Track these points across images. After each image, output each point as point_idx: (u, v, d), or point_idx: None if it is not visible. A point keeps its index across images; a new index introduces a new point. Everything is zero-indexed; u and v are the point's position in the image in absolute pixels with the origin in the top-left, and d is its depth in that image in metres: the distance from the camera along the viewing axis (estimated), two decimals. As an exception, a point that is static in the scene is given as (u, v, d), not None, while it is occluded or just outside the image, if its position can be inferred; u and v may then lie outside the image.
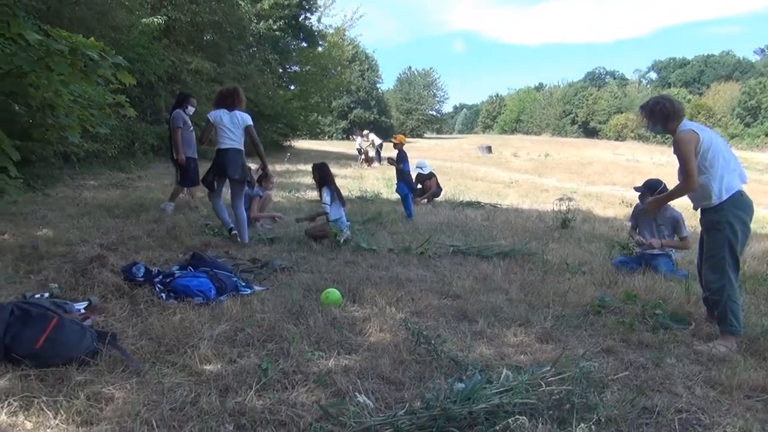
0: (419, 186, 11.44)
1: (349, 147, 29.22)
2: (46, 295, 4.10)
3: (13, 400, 2.80)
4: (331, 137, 59.51)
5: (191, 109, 8.33)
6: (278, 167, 18.55)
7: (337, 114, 60.63)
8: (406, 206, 8.91)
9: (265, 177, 7.86)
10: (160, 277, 4.55)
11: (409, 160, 9.24)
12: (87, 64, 4.98)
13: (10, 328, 3.17)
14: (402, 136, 9.58)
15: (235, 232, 6.41)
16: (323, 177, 6.84)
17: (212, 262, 4.94)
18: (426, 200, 11.30)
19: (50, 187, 10.28)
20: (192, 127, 8.34)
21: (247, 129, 6.23)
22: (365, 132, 25.12)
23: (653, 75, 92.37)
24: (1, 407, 2.75)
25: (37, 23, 8.34)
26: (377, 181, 15.21)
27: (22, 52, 4.85)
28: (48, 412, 2.73)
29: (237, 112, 6.20)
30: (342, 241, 6.60)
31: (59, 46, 4.81)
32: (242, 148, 6.24)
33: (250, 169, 6.44)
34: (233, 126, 6.17)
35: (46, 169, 11.64)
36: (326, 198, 6.73)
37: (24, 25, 4.88)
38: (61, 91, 5.51)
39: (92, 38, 5.07)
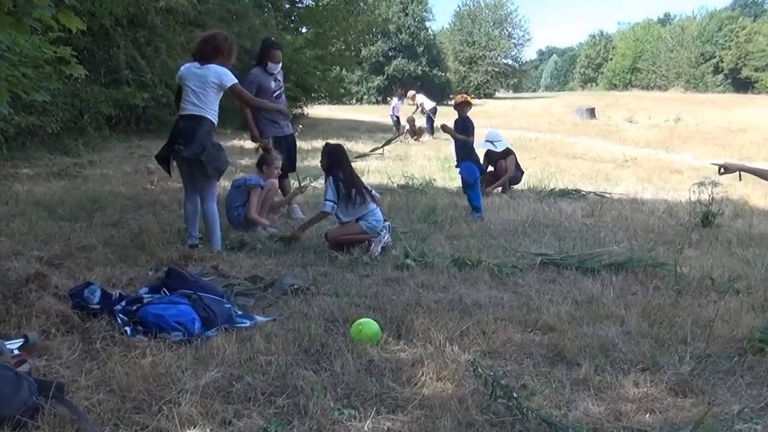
0: (490, 169, 11.44)
1: (386, 114, 29.21)
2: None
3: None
4: (360, 100, 60.01)
5: (275, 67, 8.55)
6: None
7: (369, 67, 61.18)
8: (473, 198, 8.90)
9: (265, 160, 7.97)
10: (124, 303, 4.64)
11: (476, 130, 9.22)
12: (16, 3, 5.08)
13: None
14: (465, 95, 9.52)
15: (196, 242, 6.65)
16: (331, 163, 7.01)
17: (196, 281, 5.01)
18: (500, 189, 11.25)
19: (-30, 179, 10.66)
20: (280, 91, 8.66)
21: (231, 89, 6.43)
22: (410, 93, 25.18)
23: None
24: None
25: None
26: (429, 163, 15.22)
27: None
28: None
29: (211, 67, 6.37)
30: (378, 250, 6.64)
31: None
32: (210, 118, 6.39)
33: (220, 148, 6.51)
34: (200, 85, 6.35)
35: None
36: (328, 193, 6.90)
37: None
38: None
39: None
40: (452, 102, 9.38)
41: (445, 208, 9.32)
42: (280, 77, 8.61)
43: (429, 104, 23.52)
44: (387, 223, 7.10)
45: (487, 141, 11.43)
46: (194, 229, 6.71)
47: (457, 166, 9.30)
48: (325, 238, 6.95)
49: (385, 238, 6.89)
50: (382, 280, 5.81)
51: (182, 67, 6.52)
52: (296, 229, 7.25)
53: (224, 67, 6.44)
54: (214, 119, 6.42)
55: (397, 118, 23.74)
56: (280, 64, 8.55)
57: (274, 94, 8.44)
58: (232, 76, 6.43)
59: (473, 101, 9.40)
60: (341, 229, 6.99)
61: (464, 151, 9.03)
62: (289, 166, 8.77)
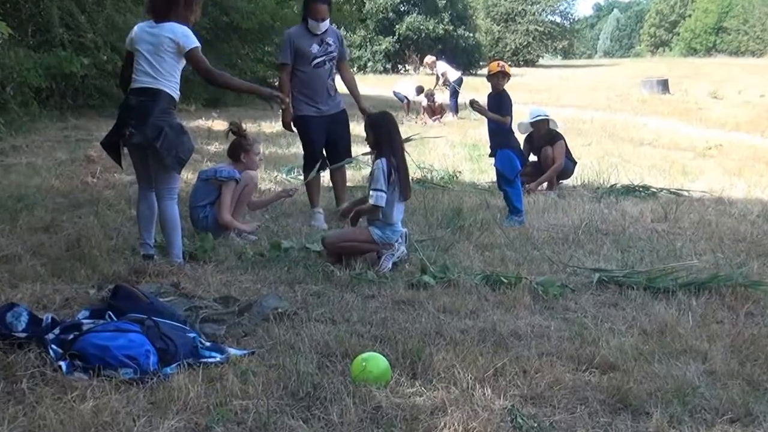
0: (533, 158, 11.46)
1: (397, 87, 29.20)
2: None
3: None
4: (363, 68, 59.87)
5: (319, 25, 8.52)
6: (266, 127, 18.76)
7: (375, 26, 60.97)
8: (511, 196, 8.92)
9: (241, 146, 7.96)
10: (57, 330, 4.64)
11: (514, 109, 9.20)
12: None
13: None
14: (501, 63, 9.50)
15: (151, 253, 6.68)
16: (382, 139, 6.99)
17: (151, 303, 5.01)
18: (546, 185, 11.26)
19: None
20: (323, 58, 8.66)
21: (187, 55, 6.43)
22: (429, 59, 25.19)
23: None
24: None
25: None
26: (452, 150, 15.22)
27: None
28: None
29: (167, 26, 6.38)
30: (389, 266, 6.69)
31: None
32: (168, 92, 6.41)
33: (182, 131, 6.50)
34: (154, 49, 6.37)
35: None
36: (379, 179, 6.80)
37: None
38: None
39: None
40: (484, 72, 9.36)
41: (474, 209, 9.31)
42: (331, 39, 8.62)
43: (453, 74, 23.53)
44: (404, 230, 7.13)
45: (530, 120, 11.41)
46: (149, 236, 6.73)
47: (491, 155, 9.30)
48: (322, 244, 6.99)
49: (400, 250, 6.91)
50: (392, 302, 5.81)
51: (135, 28, 6.55)
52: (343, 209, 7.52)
53: (184, 25, 6.45)
54: (174, 93, 6.44)
55: (406, 99, 23.62)
56: (327, 21, 8.58)
57: (314, 62, 8.50)
58: (194, 38, 6.43)
59: (510, 70, 9.35)
60: (343, 233, 7.01)
61: (500, 136, 9.01)
62: (331, 156, 8.81)
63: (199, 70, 6.52)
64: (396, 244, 6.90)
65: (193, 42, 6.41)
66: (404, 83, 25.13)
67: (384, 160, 6.82)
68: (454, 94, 22.86)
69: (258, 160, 8.21)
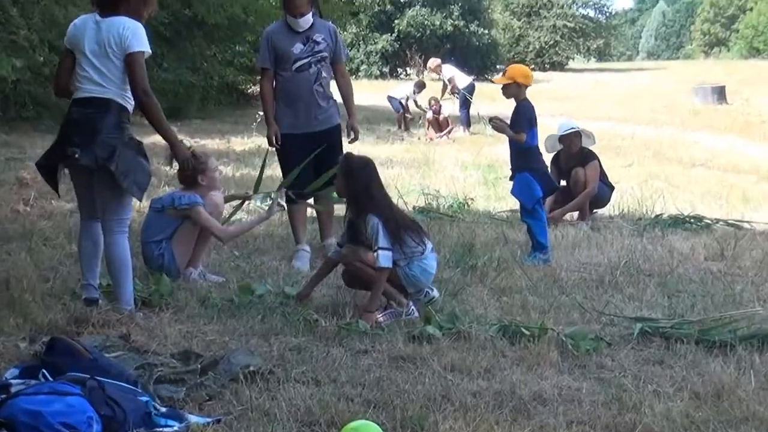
0: (561, 183, 11.45)
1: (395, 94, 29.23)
2: None
3: None
4: (356, 72, 59.77)
5: (300, 21, 8.54)
6: (236, 144, 18.78)
7: (369, 21, 60.73)
8: (533, 228, 8.96)
9: (195, 169, 7.88)
10: (-20, 393, 4.63)
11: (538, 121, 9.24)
12: None
13: None
14: (521, 67, 9.51)
15: (95, 297, 6.66)
16: (362, 190, 6.94)
17: (94, 360, 4.99)
18: (576, 214, 11.27)
19: None
20: (309, 59, 8.66)
21: (127, 59, 6.32)
22: (433, 61, 25.16)
23: None
24: None
25: None
26: (463, 173, 15.24)
27: None
28: None
29: (117, 21, 6.34)
30: (389, 321, 6.67)
31: None
32: (119, 102, 6.38)
33: (139, 150, 6.47)
34: (100, 50, 6.33)
35: None
36: (380, 238, 6.75)
37: None
38: None
39: None
40: (502, 76, 9.25)
41: (490, 244, 9.32)
42: (320, 36, 8.67)
43: (463, 80, 23.56)
44: (435, 292, 7.09)
45: (559, 135, 11.42)
46: (93, 277, 6.72)
47: (510, 178, 9.28)
48: (341, 260, 7.10)
49: (411, 315, 6.81)
50: (388, 358, 5.80)
51: (75, 22, 6.52)
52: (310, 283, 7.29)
53: (136, 21, 6.40)
54: (127, 103, 6.42)
55: (404, 104, 23.64)
56: (309, 16, 8.56)
57: (296, 64, 8.54)
58: (142, 38, 6.37)
59: (529, 75, 9.27)
60: (363, 254, 6.96)
61: (520, 156, 9.06)
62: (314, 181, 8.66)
63: (134, 84, 6.35)
64: (411, 307, 6.82)
65: (141, 45, 6.36)
66: (402, 88, 25.20)
67: (374, 216, 6.77)
68: (465, 104, 22.88)
69: (218, 178, 8.26)
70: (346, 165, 7.10)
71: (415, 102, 23.89)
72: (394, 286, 6.90)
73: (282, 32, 8.61)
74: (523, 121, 8.93)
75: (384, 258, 6.70)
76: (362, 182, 6.94)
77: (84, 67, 6.35)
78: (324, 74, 8.71)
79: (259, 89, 8.19)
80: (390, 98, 24.19)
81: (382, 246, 6.70)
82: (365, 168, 7.06)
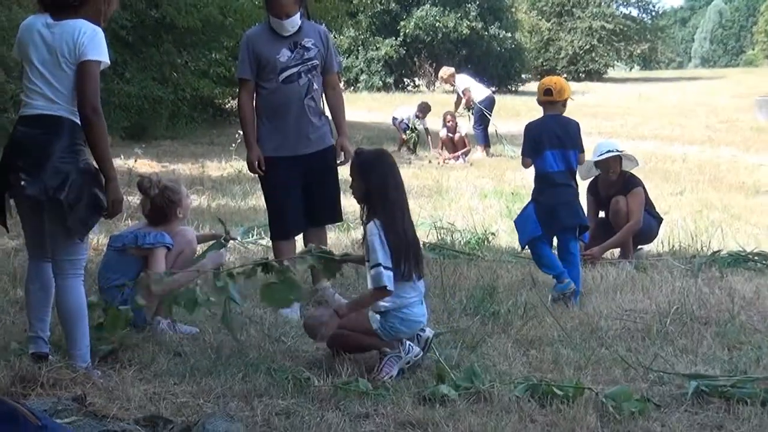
0: (599, 214, 11.51)
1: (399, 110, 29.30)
2: None
3: None
4: (354, 84, 59.78)
5: (285, 23, 8.54)
6: (212, 169, 18.83)
7: (371, 23, 60.48)
8: (568, 269, 9.05)
9: (171, 201, 7.88)
10: None
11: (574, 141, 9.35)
12: None
13: None
14: (557, 79, 9.60)
15: (44, 351, 6.62)
16: (375, 189, 6.88)
17: (43, 427, 4.97)
18: (618, 251, 11.30)
19: None
20: (299, 68, 8.67)
21: (81, 67, 6.25)
22: (446, 71, 25.17)
23: None
24: None
25: None
26: (482, 202, 15.23)
27: None
28: None
29: (72, 24, 6.29)
30: (393, 373, 6.63)
31: None
32: (74, 119, 6.33)
33: (95, 177, 6.42)
34: (52, 59, 6.29)
35: None
36: (377, 250, 6.70)
37: None
38: None
39: None
40: (526, 88, 9.41)
41: (514, 287, 9.30)
42: (309, 41, 8.68)
43: (480, 92, 23.64)
44: (429, 331, 7.02)
45: (596, 160, 11.38)
46: (42, 327, 6.67)
47: (526, 208, 9.54)
48: (305, 328, 6.99)
49: (412, 352, 6.77)
50: (394, 424, 5.77)
51: (23, 25, 6.46)
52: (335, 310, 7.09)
53: (94, 25, 6.35)
54: (77, 118, 6.35)
55: (406, 125, 23.68)
56: (296, 18, 8.53)
57: (283, 74, 8.53)
58: (100, 46, 6.30)
59: (564, 88, 9.38)
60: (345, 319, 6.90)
61: (535, 183, 9.34)
62: (310, 216, 8.73)
63: (83, 97, 6.24)
64: (406, 345, 6.75)
65: (99, 54, 6.28)
66: (406, 108, 25.16)
67: (377, 222, 6.72)
68: (480, 120, 22.93)
69: (186, 213, 8.27)
70: (359, 162, 7.04)
71: (425, 128, 23.84)
72: (370, 337, 6.84)
73: (265, 37, 8.58)
74: (524, 143, 9.33)
75: (380, 277, 6.62)
76: (376, 179, 6.86)
77: (32, 79, 6.31)
78: (315, 86, 8.69)
79: (237, 104, 8.14)
80: (394, 119, 24.19)
81: (378, 263, 6.62)
82: (380, 161, 7.01)
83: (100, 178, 6.41)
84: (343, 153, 8.76)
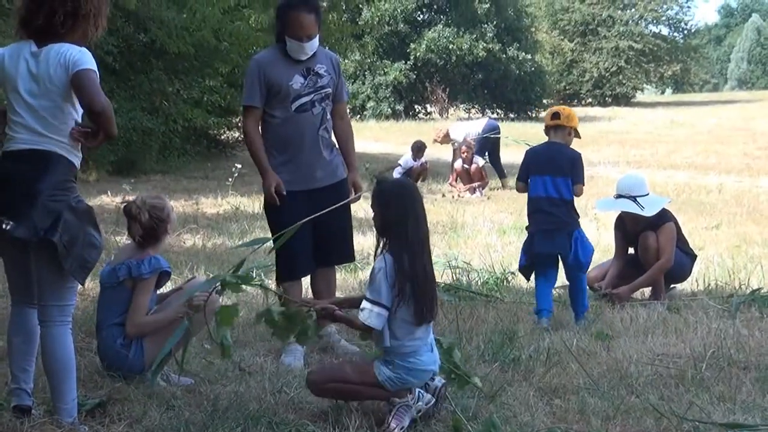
0: (628, 251, 11.56)
1: (409, 138, 29.27)
2: None
3: None
4: (360, 112, 59.64)
5: (302, 47, 8.48)
6: (207, 205, 18.89)
7: (379, 45, 60.31)
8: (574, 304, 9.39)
9: (160, 221, 7.89)
10: None
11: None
12: None
13: None
14: (571, 111, 9.79)
15: (27, 404, 6.60)
16: (394, 224, 6.81)
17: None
18: (648, 291, 11.33)
19: None
20: (312, 97, 8.65)
21: (75, 77, 6.20)
22: (439, 135, 25.16)
23: None
24: None
25: None
26: (501, 238, 15.28)
27: None
28: None
29: (55, 48, 6.28)
30: (405, 425, 6.60)
31: None
32: (63, 154, 6.31)
33: (88, 217, 6.43)
34: (40, 89, 6.28)
35: None
36: (379, 286, 6.65)
37: None
38: None
39: None
40: (551, 121, 9.50)
41: (537, 331, 9.31)
42: (322, 68, 8.67)
43: (474, 127, 23.87)
44: (439, 380, 6.99)
45: (620, 196, 11.38)
46: (26, 379, 6.67)
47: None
48: (306, 383, 6.96)
49: (422, 400, 6.76)
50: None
51: (6, 52, 6.44)
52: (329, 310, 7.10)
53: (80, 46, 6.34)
54: (73, 156, 6.38)
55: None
56: (316, 40, 8.53)
57: (296, 103, 8.47)
58: (91, 59, 6.29)
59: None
60: (336, 369, 6.97)
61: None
62: (319, 255, 8.69)
63: (91, 99, 6.14)
64: (415, 394, 6.72)
65: (92, 64, 6.25)
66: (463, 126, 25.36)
67: (389, 257, 6.66)
68: (484, 149, 23.04)
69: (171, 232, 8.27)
70: (378, 191, 6.93)
71: (423, 164, 23.92)
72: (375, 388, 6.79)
73: (276, 61, 8.54)
74: (520, 167, 9.97)
75: (372, 316, 6.57)
76: (395, 211, 6.77)
77: (18, 111, 6.28)
78: (328, 116, 8.70)
79: (243, 133, 8.07)
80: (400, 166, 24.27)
81: (374, 299, 6.58)
82: (400, 192, 6.93)
83: (93, 215, 6.43)
84: (353, 190, 8.75)
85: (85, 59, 6.23)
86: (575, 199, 9.81)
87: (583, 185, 9.88)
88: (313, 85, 8.50)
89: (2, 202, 6.19)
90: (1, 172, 6.29)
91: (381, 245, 6.88)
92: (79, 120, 6.38)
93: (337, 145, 8.90)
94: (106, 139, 6.35)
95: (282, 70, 8.43)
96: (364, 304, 6.65)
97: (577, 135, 10.17)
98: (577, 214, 9.95)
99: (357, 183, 8.73)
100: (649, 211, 11.27)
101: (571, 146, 10.02)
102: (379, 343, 6.76)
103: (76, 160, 6.40)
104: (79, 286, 6.63)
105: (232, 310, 6.70)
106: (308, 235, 8.31)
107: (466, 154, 22.37)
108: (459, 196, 21.46)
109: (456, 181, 22.22)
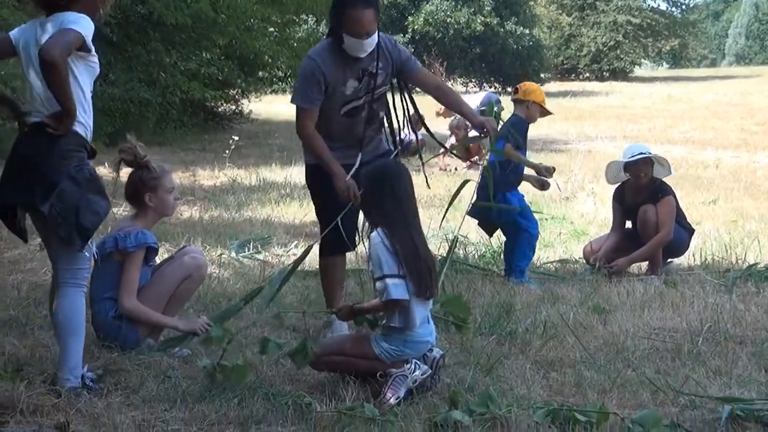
0: (625, 224, 11.58)
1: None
2: None
3: None
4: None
5: (362, 43, 7.97)
6: (204, 177, 18.87)
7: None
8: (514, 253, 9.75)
9: (143, 182, 7.97)
10: None
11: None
12: None
13: None
14: (531, 85, 10.02)
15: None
16: (370, 202, 6.97)
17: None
18: (646, 265, 11.39)
19: None
20: (363, 100, 8.38)
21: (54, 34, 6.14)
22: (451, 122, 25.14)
23: None
24: None
25: None
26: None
27: None
28: None
29: (60, 16, 6.27)
30: (400, 396, 6.59)
31: None
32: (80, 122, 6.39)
33: (93, 185, 6.41)
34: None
35: None
36: (382, 259, 6.68)
37: None
38: None
39: None
40: (547, 88, 9.54)
41: (533, 304, 9.31)
42: (379, 66, 8.23)
43: (474, 100, 23.73)
44: (437, 352, 6.99)
45: (626, 162, 11.33)
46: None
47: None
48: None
49: (418, 371, 6.71)
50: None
51: (15, 32, 6.52)
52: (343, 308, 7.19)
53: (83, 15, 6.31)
54: (82, 128, 6.43)
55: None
56: (375, 36, 8.01)
57: (346, 107, 8.22)
58: (84, 23, 6.22)
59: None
60: (333, 342, 7.01)
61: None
62: (340, 236, 8.17)
63: (50, 42, 6.01)
64: (412, 365, 6.67)
65: (81, 28, 6.15)
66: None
67: (380, 231, 6.71)
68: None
69: (173, 202, 8.15)
70: (369, 171, 7.15)
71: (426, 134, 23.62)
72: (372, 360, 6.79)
73: (331, 60, 8.07)
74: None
75: (392, 288, 6.57)
76: (377, 189, 6.88)
77: (30, 83, 6.38)
78: (381, 113, 8.53)
79: (301, 136, 7.70)
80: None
81: (385, 273, 6.59)
82: (386, 172, 7.03)
83: (98, 182, 6.49)
84: (486, 130, 8.62)
85: (73, 20, 6.19)
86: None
87: (519, 149, 10.52)
88: (366, 87, 8.15)
89: (10, 174, 6.35)
90: (20, 148, 6.42)
91: (366, 225, 7.03)
92: (87, 90, 6.45)
93: (383, 132, 8.73)
94: (67, 117, 6.23)
95: (337, 71, 8.04)
96: (378, 285, 6.67)
97: (546, 111, 10.71)
98: (516, 177, 10.61)
99: (485, 123, 8.52)
100: (667, 172, 11.56)
101: (532, 118, 10.74)
102: (408, 322, 6.72)
103: (82, 128, 6.43)
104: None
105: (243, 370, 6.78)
106: (355, 211, 8.08)
107: (456, 135, 22.22)
108: (451, 169, 21.42)
109: (443, 157, 21.94)
